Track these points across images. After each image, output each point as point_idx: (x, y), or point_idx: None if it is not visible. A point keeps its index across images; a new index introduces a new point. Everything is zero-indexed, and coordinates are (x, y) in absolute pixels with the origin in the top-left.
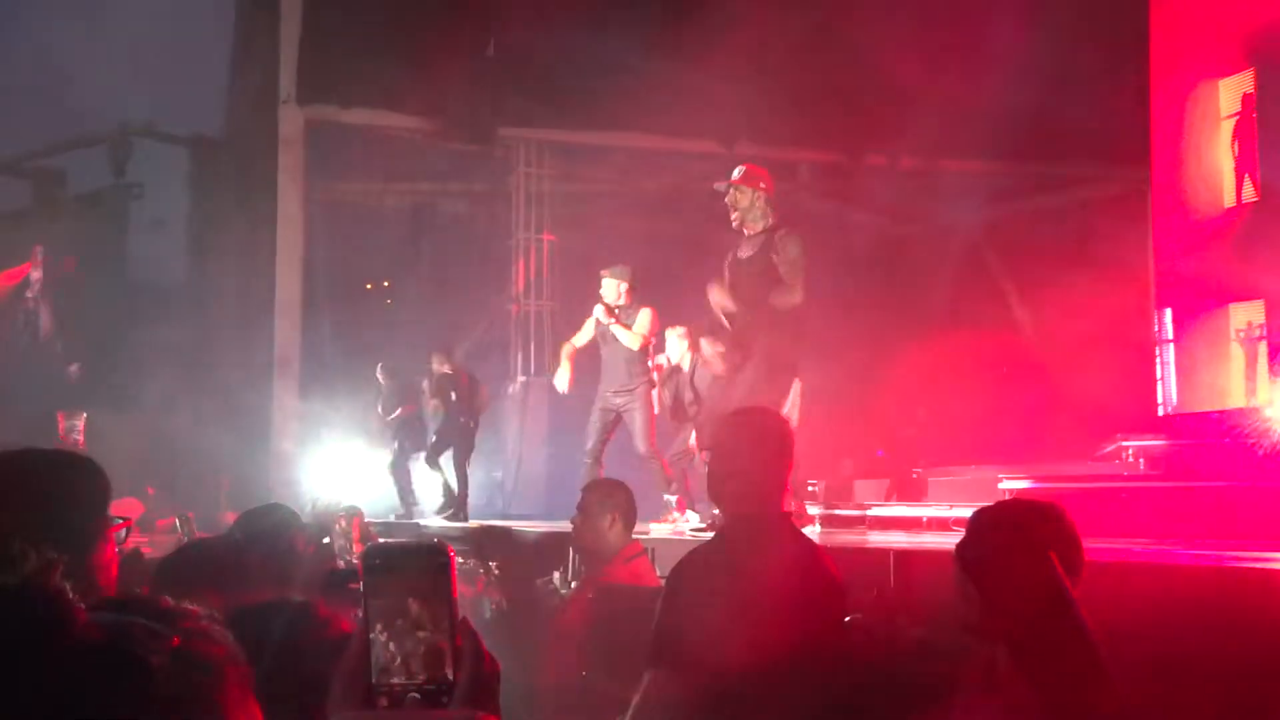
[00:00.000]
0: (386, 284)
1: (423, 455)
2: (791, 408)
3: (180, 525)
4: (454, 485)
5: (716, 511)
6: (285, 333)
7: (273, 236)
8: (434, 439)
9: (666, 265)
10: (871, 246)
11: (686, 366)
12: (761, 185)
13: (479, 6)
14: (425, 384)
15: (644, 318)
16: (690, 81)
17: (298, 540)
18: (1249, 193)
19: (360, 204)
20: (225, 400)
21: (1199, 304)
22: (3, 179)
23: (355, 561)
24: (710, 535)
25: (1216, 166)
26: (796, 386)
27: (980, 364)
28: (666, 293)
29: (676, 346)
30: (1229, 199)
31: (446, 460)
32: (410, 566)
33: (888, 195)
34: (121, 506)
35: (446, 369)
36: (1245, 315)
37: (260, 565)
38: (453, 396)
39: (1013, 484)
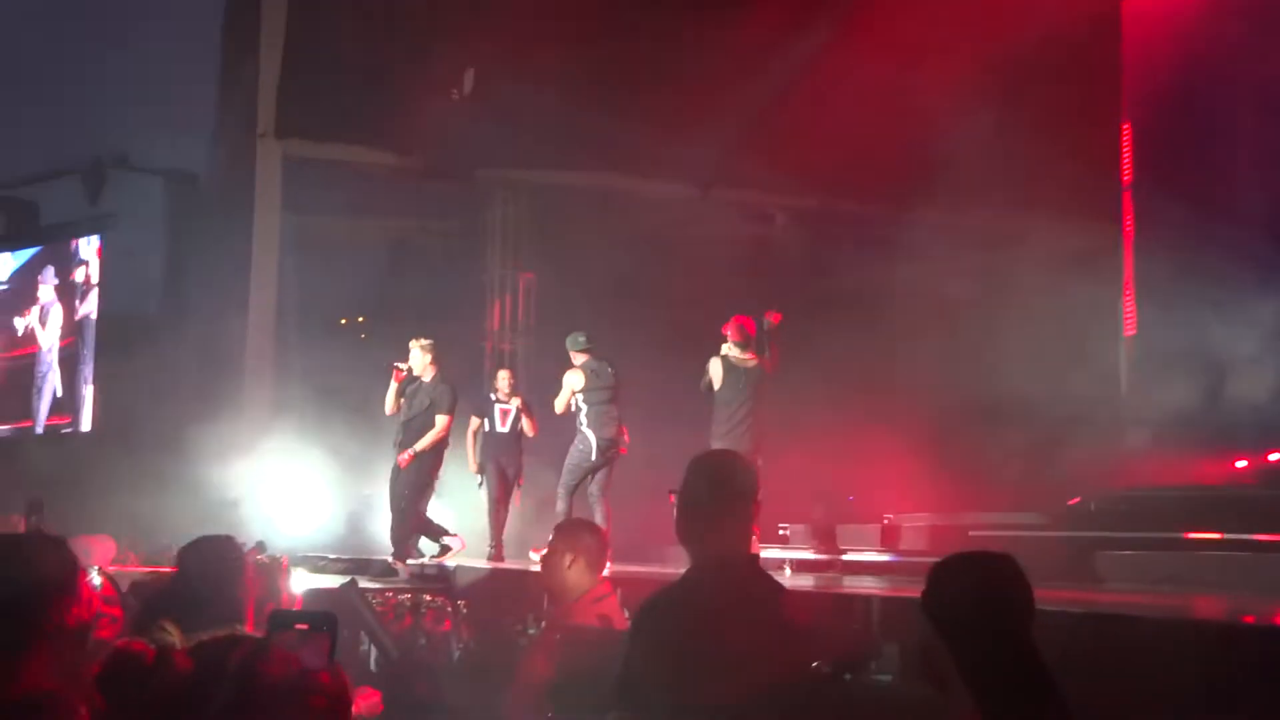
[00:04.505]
0: (361, 319)
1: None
2: None
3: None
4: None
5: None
6: (257, 366)
7: (246, 270)
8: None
9: (639, 306)
10: (845, 293)
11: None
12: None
13: (458, 45)
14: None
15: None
16: (667, 123)
17: (245, 573)
18: None
19: (335, 239)
20: (194, 432)
21: None
22: None
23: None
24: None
25: None
26: None
27: (956, 411)
28: (638, 331)
29: (419, 358)
30: None
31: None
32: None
33: (863, 242)
34: (95, 543)
35: None
36: None
37: (209, 598)
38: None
39: (982, 532)
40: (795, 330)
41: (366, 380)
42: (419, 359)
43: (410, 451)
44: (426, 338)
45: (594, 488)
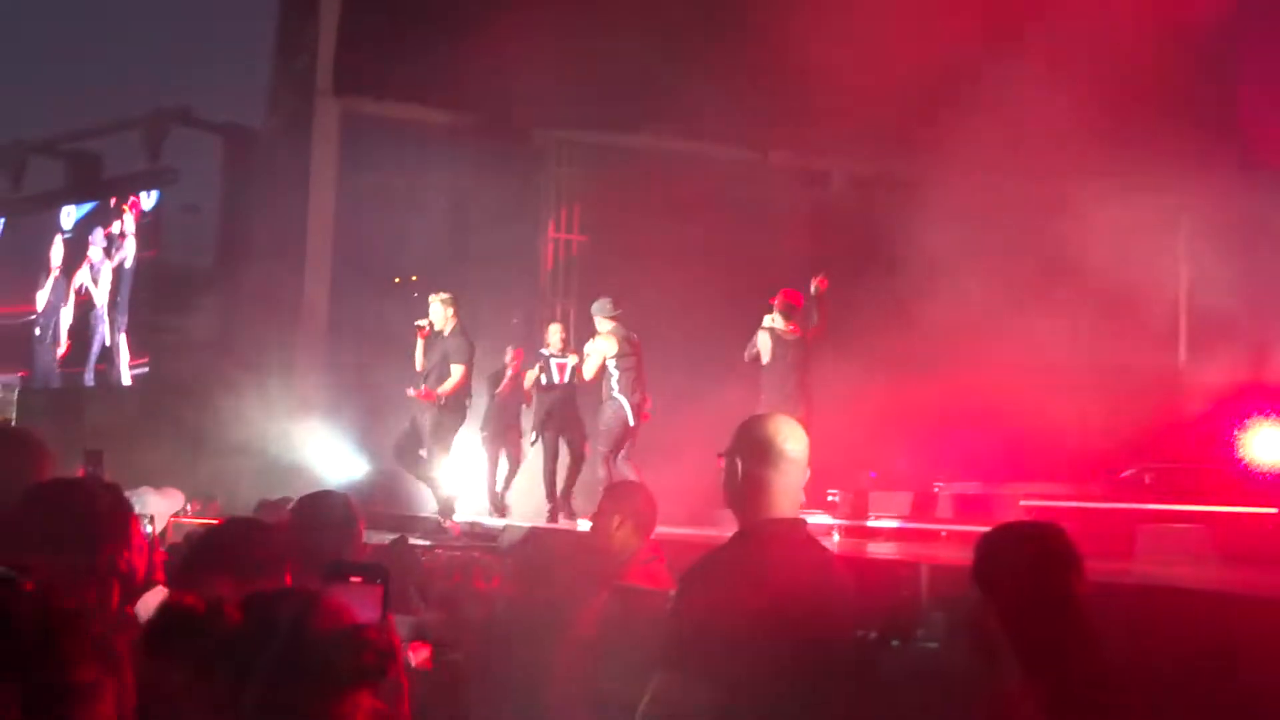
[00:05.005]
0: (414, 278)
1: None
2: None
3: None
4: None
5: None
6: (311, 323)
7: (303, 227)
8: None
9: (695, 269)
10: (901, 259)
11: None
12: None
13: (519, 4)
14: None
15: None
16: (726, 85)
17: (361, 529)
18: None
19: (391, 197)
20: (246, 389)
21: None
22: (38, 160)
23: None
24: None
25: None
26: None
27: (1010, 378)
28: (691, 294)
29: (439, 312)
30: None
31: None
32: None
33: (922, 207)
34: (164, 495)
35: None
36: None
37: (313, 551)
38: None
39: (1033, 502)
40: (853, 295)
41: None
42: (439, 312)
43: (439, 394)
44: (447, 291)
45: (620, 453)
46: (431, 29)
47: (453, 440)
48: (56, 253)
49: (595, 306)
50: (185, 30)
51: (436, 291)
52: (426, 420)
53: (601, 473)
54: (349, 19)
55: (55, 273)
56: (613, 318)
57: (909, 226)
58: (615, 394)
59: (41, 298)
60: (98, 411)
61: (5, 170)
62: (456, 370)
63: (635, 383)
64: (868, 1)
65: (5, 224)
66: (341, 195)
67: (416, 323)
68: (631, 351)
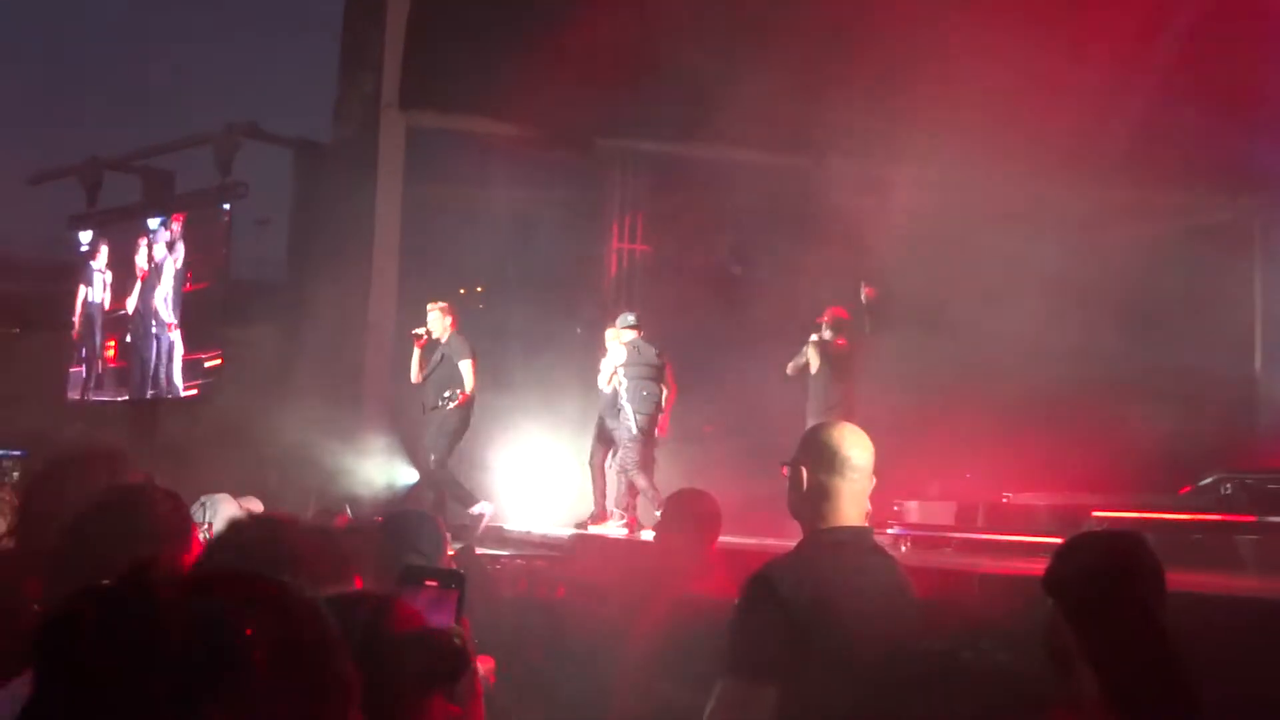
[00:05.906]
0: (480, 289)
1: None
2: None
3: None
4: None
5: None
6: (378, 334)
7: (370, 239)
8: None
9: (756, 278)
10: (970, 268)
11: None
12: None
13: (580, 17)
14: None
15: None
16: (783, 93)
17: (447, 549)
18: None
19: (456, 209)
20: (314, 400)
21: None
22: (114, 176)
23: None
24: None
25: None
26: None
27: (1080, 387)
28: (753, 304)
29: (437, 320)
30: None
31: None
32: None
33: (986, 214)
34: (246, 505)
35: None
36: None
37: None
38: None
39: (1107, 513)
40: (915, 305)
41: (485, 348)
42: (437, 321)
43: (462, 392)
44: (443, 300)
45: (614, 463)
46: (495, 42)
47: (454, 444)
48: (142, 257)
49: (619, 319)
50: (253, 46)
51: (435, 300)
52: (431, 425)
53: (642, 484)
54: (414, 33)
55: (141, 277)
56: (631, 328)
57: (974, 234)
58: (622, 401)
59: (131, 303)
60: (171, 425)
61: (82, 187)
62: (465, 366)
63: (646, 393)
64: (925, 6)
65: (96, 234)
66: (407, 207)
67: (414, 331)
68: (644, 363)
